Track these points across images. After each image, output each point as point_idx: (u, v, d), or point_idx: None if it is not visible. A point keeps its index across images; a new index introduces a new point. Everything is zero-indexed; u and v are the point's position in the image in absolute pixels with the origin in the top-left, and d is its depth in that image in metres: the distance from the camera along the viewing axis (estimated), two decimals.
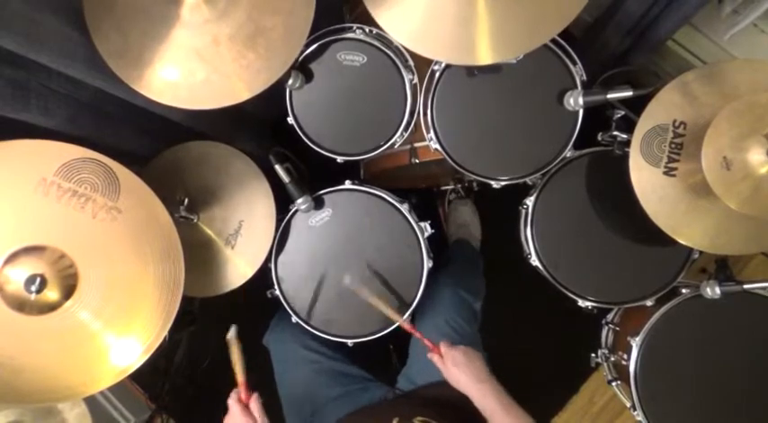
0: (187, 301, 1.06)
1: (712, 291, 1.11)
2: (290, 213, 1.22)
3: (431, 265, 1.20)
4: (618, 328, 1.40)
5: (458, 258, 1.65)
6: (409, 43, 0.97)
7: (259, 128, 1.58)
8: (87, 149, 0.91)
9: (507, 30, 0.92)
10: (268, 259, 1.20)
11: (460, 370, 0.97)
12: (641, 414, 1.17)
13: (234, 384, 0.98)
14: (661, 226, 1.01)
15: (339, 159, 1.21)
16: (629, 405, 1.22)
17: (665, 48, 1.44)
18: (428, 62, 1.13)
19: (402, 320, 1.08)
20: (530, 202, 1.22)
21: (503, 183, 1.18)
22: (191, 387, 1.77)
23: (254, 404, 0.95)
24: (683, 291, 1.18)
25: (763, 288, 1.11)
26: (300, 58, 1.12)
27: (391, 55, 1.12)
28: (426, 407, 1.02)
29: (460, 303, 1.30)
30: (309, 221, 1.22)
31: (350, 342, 1.23)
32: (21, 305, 0.86)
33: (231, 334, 0.98)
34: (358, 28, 1.14)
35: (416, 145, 1.26)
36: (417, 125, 1.19)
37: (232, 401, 0.96)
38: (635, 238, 1.19)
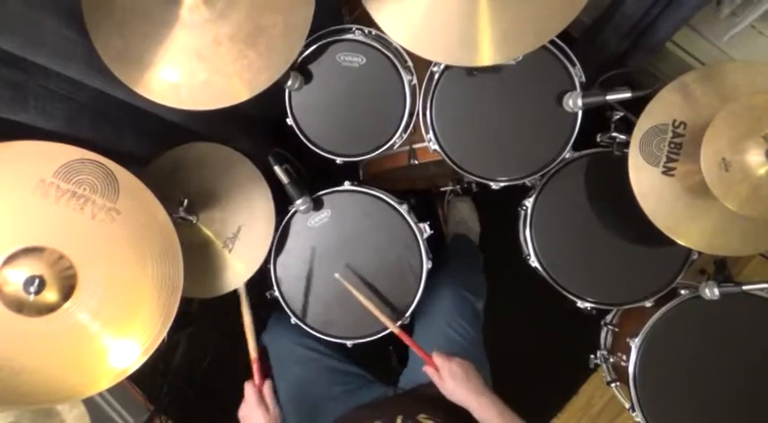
0: (186, 302, 1.06)
1: (711, 292, 1.12)
2: (290, 214, 1.22)
3: (430, 266, 1.20)
4: (617, 330, 1.40)
5: (457, 255, 1.64)
6: (409, 44, 0.97)
7: (258, 129, 1.58)
8: (86, 150, 0.90)
9: (507, 30, 0.92)
10: (267, 260, 1.20)
11: (457, 383, 0.96)
12: (640, 415, 1.17)
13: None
14: (659, 226, 1.01)
15: (338, 160, 1.21)
16: (627, 406, 1.22)
17: (663, 49, 1.44)
18: (427, 63, 1.13)
19: (394, 327, 1.07)
20: (529, 203, 1.22)
21: (502, 184, 1.17)
22: (189, 388, 1.77)
23: (267, 390, 0.97)
24: (682, 292, 1.18)
25: (762, 289, 1.11)
26: (299, 60, 1.12)
27: (390, 56, 1.12)
28: (430, 404, 1.01)
29: (462, 304, 1.30)
30: (308, 222, 1.22)
31: (349, 343, 1.23)
32: (19, 306, 0.85)
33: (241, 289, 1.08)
34: (357, 29, 1.14)
35: (415, 146, 1.26)
36: (416, 126, 1.19)
37: (249, 389, 0.96)
38: (634, 239, 1.19)
